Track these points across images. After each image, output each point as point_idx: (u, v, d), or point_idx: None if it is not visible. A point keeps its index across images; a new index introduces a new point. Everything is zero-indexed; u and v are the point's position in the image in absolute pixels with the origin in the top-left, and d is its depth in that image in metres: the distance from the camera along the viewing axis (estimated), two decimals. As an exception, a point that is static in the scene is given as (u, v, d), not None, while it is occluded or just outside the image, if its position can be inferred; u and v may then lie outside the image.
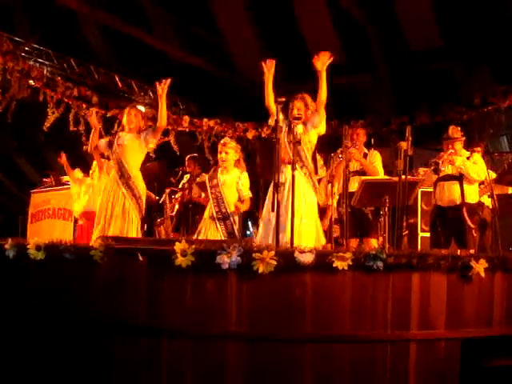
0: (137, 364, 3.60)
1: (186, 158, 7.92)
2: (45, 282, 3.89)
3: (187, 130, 9.97)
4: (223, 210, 5.25)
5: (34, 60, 9.61)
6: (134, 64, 12.03)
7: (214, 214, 5.26)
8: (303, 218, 4.63)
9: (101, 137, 5.80)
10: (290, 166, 4.51)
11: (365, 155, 6.20)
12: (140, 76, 11.87)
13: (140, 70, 11.94)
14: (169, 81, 5.35)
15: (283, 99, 4.30)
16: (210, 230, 5.27)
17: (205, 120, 10.03)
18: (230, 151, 5.41)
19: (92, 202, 6.82)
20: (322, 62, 4.67)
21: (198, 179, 7.54)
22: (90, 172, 7.22)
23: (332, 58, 4.66)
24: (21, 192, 16.38)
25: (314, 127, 4.79)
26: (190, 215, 6.52)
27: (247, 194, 5.40)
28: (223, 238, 5.09)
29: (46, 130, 9.31)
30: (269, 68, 4.77)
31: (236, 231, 5.27)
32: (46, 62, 10.13)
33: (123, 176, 5.30)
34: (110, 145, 5.41)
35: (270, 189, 4.50)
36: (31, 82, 8.61)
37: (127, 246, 3.77)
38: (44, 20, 12.06)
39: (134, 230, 5.19)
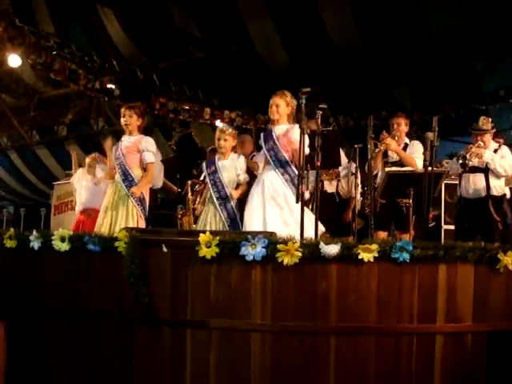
0: (161, 355, 3.61)
1: (207, 150, 7.91)
2: (69, 274, 3.91)
3: (208, 122, 9.98)
4: (223, 196, 5.26)
5: (56, 53, 9.62)
6: (155, 57, 12.04)
7: (215, 199, 5.27)
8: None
9: None
10: (272, 171, 4.83)
11: (405, 146, 6.02)
12: (161, 69, 11.88)
13: (161, 63, 11.95)
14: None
15: (309, 89, 4.26)
16: (210, 215, 5.28)
17: (226, 112, 10.04)
18: (228, 138, 5.43)
19: (91, 198, 6.84)
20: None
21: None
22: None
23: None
24: (43, 185, 16.58)
25: (292, 141, 4.81)
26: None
27: (244, 177, 5.41)
28: (225, 223, 5.16)
29: (68, 122, 9.37)
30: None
31: (237, 216, 5.26)
32: (68, 56, 10.15)
33: (127, 179, 5.35)
34: (116, 149, 5.48)
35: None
36: (53, 75, 8.66)
37: (152, 238, 3.77)
38: (66, 13, 12.15)
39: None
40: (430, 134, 4.07)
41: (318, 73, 10.79)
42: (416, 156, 5.82)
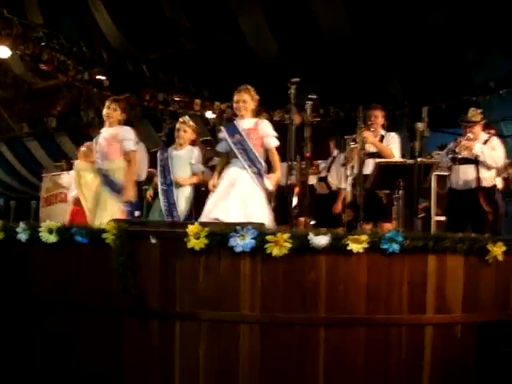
0: (150, 347, 3.59)
1: (199, 141, 7.86)
2: (57, 266, 3.88)
3: (199, 113, 9.93)
4: (168, 182, 5.41)
5: (45, 44, 9.53)
6: (145, 48, 11.96)
7: (159, 184, 5.44)
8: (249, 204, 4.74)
9: None
10: (238, 163, 4.85)
11: (382, 137, 6.05)
12: (151, 60, 11.80)
13: (151, 54, 11.87)
14: None
15: (298, 80, 4.23)
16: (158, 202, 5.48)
17: (216, 103, 9.99)
18: (188, 130, 5.60)
19: None
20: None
21: (209, 163, 7.51)
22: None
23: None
24: (33, 177, 16.49)
25: (263, 136, 4.90)
26: (201, 199, 6.47)
27: (199, 168, 5.60)
28: (163, 209, 5.34)
29: (58, 113, 9.29)
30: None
31: (176, 203, 5.41)
32: (57, 47, 10.05)
33: (100, 172, 5.42)
34: (95, 142, 5.51)
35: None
36: (42, 65, 8.58)
37: (140, 229, 3.74)
38: (55, 5, 12.03)
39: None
40: (419, 125, 4.05)
41: (309, 64, 10.76)
42: (392, 147, 5.86)
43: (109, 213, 5.08)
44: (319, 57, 10.72)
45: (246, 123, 4.99)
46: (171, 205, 5.39)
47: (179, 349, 3.53)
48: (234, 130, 4.98)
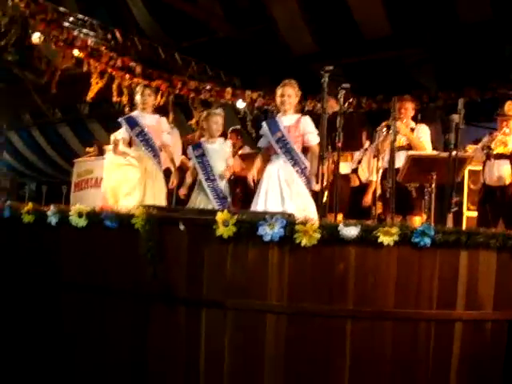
0: (176, 333, 3.59)
1: (229, 131, 7.86)
2: (85, 249, 3.90)
3: (230, 102, 9.91)
4: (212, 178, 5.39)
5: (79, 30, 9.61)
6: (178, 36, 11.97)
7: (203, 180, 5.40)
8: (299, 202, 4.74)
9: None
10: (282, 159, 4.82)
11: (412, 130, 6.00)
12: (183, 48, 11.81)
13: (183, 42, 11.87)
14: None
15: (331, 68, 4.17)
16: (201, 196, 5.43)
17: (247, 92, 9.95)
18: (222, 122, 5.59)
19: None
20: None
21: (240, 151, 7.49)
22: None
23: None
24: (65, 162, 16.69)
25: (304, 133, 4.86)
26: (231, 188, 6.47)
27: (231, 160, 5.58)
28: (215, 206, 5.27)
29: (90, 100, 9.36)
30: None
31: (226, 196, 5.43)
32: (91, 33, 10.12)
33: (156, 155, 5.59)
34: (132, 124, 5.54)
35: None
36: (75, 51, 8.65)
37: (169, 215, 3.74)
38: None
39: (162, 199, 5.53)
40: (455, 116, 3.96)
41: (342, 55, 10.64)
42: (423, 140, 5.83)
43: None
44: (352, 46, 10.59)
45: (287, 120, 4.94)
46: (222, 199, 5.36)
47: (205, 336, 3.53)
48: (275, 128, 4.92)
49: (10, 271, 4.33)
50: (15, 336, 4.24)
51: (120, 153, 5.60)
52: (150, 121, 5.66)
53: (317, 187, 4.68)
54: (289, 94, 4.89)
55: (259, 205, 4.79)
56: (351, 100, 9.28)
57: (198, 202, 5.38)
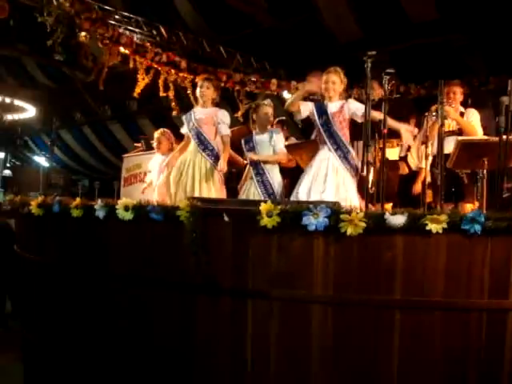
0: (222, 325, 3.60)
1: (275, 122, 7.82)
2: (133, 242, 3.95)
3: (275, 93, 9.87)
4: (261, 172, 5.42)
5: (124, 28, 9.75)
6: (222, 29, 11.98)
7: (253, 175, 5.43)
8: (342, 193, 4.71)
9: None
10: (325, 147, 4.83)
11: (461, 114, 5.84)
12: (228, 40, 11.82)
13: (228, 35, 11.88)
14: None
15: (374, 52, 4.09)
16: (251, 190, 5.45)
17: (293, 83, 9.89)
18: (270, 110, 5.60)
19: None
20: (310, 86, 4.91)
21: (286, 142, 7.45)
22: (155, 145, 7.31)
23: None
24: (116, 158, 17.02)
25: (352, 115, 4.86)
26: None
27: (280, 147, 5.56)
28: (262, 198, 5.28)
29: (137, 96, 9.48)
30: (314, 86, 4.98)
31: (275, 191, 5.41)
32: (136, 30, 10.26)
33: (202, 143, 5.48)
34: (188, 120, 5.55)
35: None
36: (121, 48, 8.77)
37: (213, 207, 3.74)
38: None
39: (217, 193, 5.43)
40: (505, 98, 3.81)
41: (389, 41, 10.44)
42: (474, 124, 5.69)
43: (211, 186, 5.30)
44: (399, 32, 10.38)
45: (332, 106, 4.94)
46: (271, 195, 5.38)
47: (251, 327, 3.51)
48: (321, 111, 4.93)
49: (62, 265, 4.43)
50: (67, 329, 4.34)
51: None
52: (205, 114, 5.61)
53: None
54: (333, 80, 4.91)
55: (301, 193, 4.79)
56: (395, 85, 9.13)
57: (252, 194, 5.42)
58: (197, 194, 5.23)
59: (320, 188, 4.70)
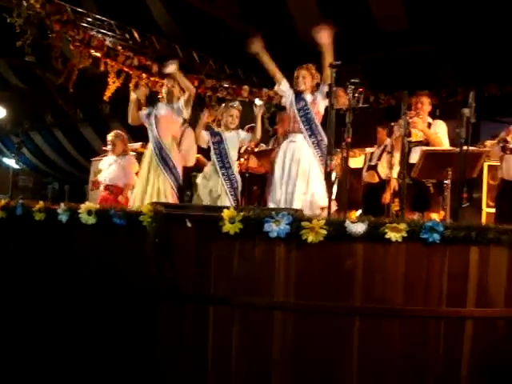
0: (183, 331, 3.59)
1: (245, 128, 7.84)
2: (95, 247, 3.92)
3: (247, 100, 9.90)
4: (227, 166, 5.60)
5: (97, 30, 9.67)
6: (195, 34, 11.96)
7: (218, 168, 5.59)
8: (311, 187, 4.89)
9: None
10: (299, 135, 5.00)
11: (429, 125, 5.94)
12: (201, 46, 11.81)
13: (201, 41, 11.87)
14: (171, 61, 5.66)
15: (339, 63, 4.15)
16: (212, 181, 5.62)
17: (264, 90, 9.93)
18: (239, 114, 5.85)
19: (115, 175, 6.93)
20: (326, 34, 4.90)
21: (256, 149, 7.47)
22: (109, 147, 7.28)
23: (332, 30, 4.85)
24: (86, 161, 16.85)
25: (322, 98, 5.00)
26: (247, 184, 6.48)
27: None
28: (228, 194, 5.50)
29: (107, 99, 9.42)
30: (257, 47, 5.39)
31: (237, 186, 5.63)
32: (109, 33, 10.18)
33: (157, 146, 5.51)
34: (149, 115, 5.54)
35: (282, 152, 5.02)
36: (92, 51, 8.72)
37: (176, 212, 3.74)
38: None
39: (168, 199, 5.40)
40: (466, 110, 3.89)
41: (361, 51, 10.54)
42: (440, 135, 5.82)
43: (161, 191, 5.23)
44: (370, 42, 10.49)
45: (308, 97, 5.15)
46: (235, 189, 5.56)
47: (212, 333, 3.52)
48: (299, 98, 5.13)
49: (24, 269, 4.37)
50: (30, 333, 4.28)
51: None
52: (164, 110, 5.65)
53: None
54: (303, 75, 5.14)
55: (275, 185, 5.03)
56: (366, 94, 9.23)
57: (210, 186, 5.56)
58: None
59: (293, 182, 4.83)
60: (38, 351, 4.10)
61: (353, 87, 4.15)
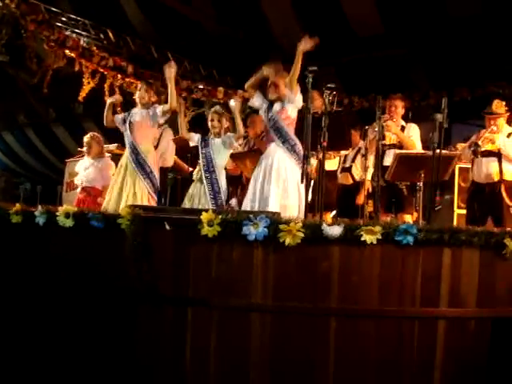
0: (162, 333, 3.62)
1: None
2: (73, 250, 3.92)
3: (222, 101, 9.93)
4: (211, 169, 5.66)
5: (71, 30, 9.63)
6: (171, 35, 11.96)
7: (203, 174, 5.65)
8: (287, 192, 4.87)
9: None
10: (273, 144, 4.99)
11: (402, 128, 6.06)
12: (176, 47, 11.81)
13: (176, 41, 11.87)
14: (173, 64, 5.62)
15: (315, 68, 4.21)
16: (200, 193, 5.65)
17: (239, 92, 9.97)
18: (222, 119, 5.84)
19: (92, 178, 6.92)
20: (305, 45, 4.85)
21: (232, 151, 7.51)
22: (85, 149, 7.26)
23: (315, 43, 4.85)
24: (60, 162, 16.69)
25: (289, 103, 4.97)
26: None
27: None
28: (208, 197, 5.56)
29: (82, 100, 9.37)
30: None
31: (222, 193, 5.64)
32: (83, 33, 10.13)
33: (133, 152, 5.45)
34: (124, 121, 5.53)
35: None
36: (67, 51, 8.67)
37: (155, 215, 3.76)
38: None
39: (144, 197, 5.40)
40: (438, 116, 3.99)
41: (334, 53, 10.65)
42: (413, 138, 5.92)
43: (137, 196, 5.24)
44: (344, 45, 10.61)
45: (276, 106, 5.09)
46: (216, 192, 5.59)
47: (191, 334, 3.56)
48: (270, 108, 5.12)
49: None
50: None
51: None
52: (139, 116, 5.59)
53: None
54: (275, 83, 5.08)
55: (249, 193, 5.03)
56: (340, 97, 9.34)
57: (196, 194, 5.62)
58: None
59: (267, 188, 4.87)
60: (17, 352, 4.08)
61: (329, 92, 4.21)
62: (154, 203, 5.39)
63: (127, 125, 5.53)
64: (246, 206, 4.95)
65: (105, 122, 5.78)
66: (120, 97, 6.19)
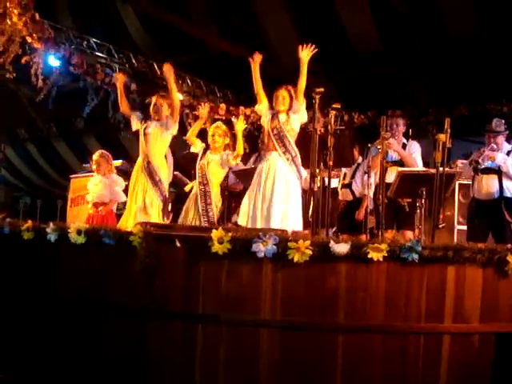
0: (172, 349, 3.68)
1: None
2: (85, 266, 3.99)
3: (224, 118, 10.04)
4: (205, 183, 5.92)
5: (75, 48, 9.75)
6: (173, 52, 12.09)
7: (198, 185, 5.90)
8: (288, 204, 5.04)
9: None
10: (274, 153, 5.13)
11: (404, 146, 6.15)
12: (178, 64, 11.93)
13: (178, 58, 12.00)
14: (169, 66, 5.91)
15: (322, 89, 4.33)
16: (193, 210, 5.91)
17: (241, 108, 10.09)
18: (222, 134, 6.10)
19: (101, 194, 7.04)
20: (307, 53, 5.11)
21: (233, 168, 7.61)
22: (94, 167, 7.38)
23: (315, 51, 5.10)
24: (60, 177, 16.74)
25: (294, 114, 5.18)
26: (226, 203, 6.60)
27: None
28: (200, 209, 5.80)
29: (86, 116, 9.48)
30: (256, 60, 5.46)
31: (213, 206, 5.87)
32: (87, 50, 10.26)
33: (145, 161, 5.69)
34: (141, 121, 5.72)
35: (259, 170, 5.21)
36: (72, 69, 8.79)
37: (166, 233, 3.84)
38: (85, 8, 12.24)
39: (155, 213, 5.58)
40: (441, 136, 4.09)
41: (335, 70, 10.80)
42: (414, 156, 6.01)
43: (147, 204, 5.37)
44: (345, 62, 10.76)
45: (282, 117, 5.27)
46: (208, 205, 5.81)
47: (200, 350, 3.62)
48: (274, 117, 5.29)
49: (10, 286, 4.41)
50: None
51: None
52: (152, 128, 5.79)
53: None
54: (283, 95, 5.24)
55: (244, 205, 5.21)
56: (344, 118, 9.45)
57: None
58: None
59: (268, 201, 4.98)
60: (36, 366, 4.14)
61: (334, 113, 4.32)
62: (161, 211, 5.54)
63: (142, 135, 5.71)
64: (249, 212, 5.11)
65: (121, 108, 5.96)
66: (122, 76, 6.31)
